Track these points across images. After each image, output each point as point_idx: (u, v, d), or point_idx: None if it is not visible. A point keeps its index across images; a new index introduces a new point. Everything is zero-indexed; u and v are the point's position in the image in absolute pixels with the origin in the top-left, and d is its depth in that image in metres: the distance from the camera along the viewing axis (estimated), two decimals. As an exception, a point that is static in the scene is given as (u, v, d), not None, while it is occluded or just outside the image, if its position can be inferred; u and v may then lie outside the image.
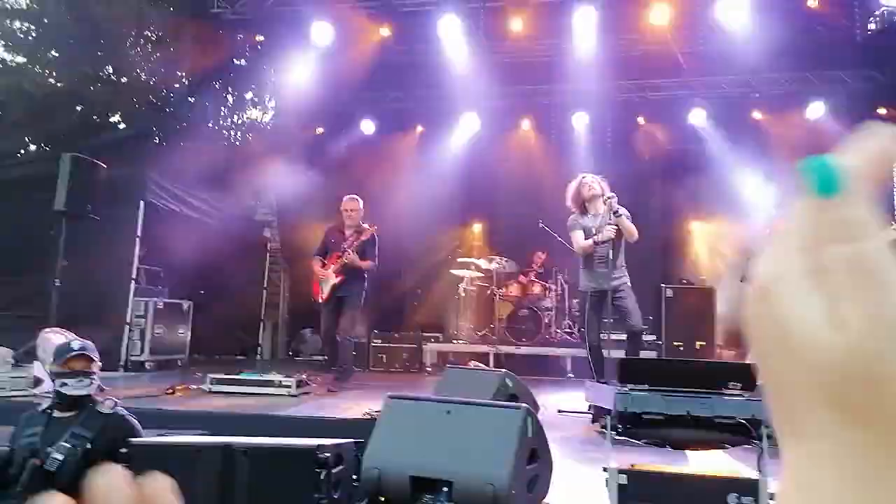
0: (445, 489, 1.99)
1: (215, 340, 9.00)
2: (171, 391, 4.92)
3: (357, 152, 10.67)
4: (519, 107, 10.64)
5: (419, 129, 10.98)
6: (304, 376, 5.37)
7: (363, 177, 10.21)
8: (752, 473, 1.92)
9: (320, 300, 5.83)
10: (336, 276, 5.72)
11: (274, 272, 10.41)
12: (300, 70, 9.72)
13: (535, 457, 2.15)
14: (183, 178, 8.44)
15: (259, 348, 10.16)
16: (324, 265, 5.84)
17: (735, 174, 10.28)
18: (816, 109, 9.58)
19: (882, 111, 9.19)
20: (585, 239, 4.90)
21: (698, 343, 8.12)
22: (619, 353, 4.87)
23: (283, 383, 5.05)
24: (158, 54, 10.71)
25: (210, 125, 10.27)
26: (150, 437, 2.70)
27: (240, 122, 10.90)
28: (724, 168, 10.48)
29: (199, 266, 7.97)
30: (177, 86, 10.57)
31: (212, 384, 5.06)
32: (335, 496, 2.22)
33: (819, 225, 0.29)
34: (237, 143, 10.87)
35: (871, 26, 9.16)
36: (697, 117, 10.05)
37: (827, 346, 0.27)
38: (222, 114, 10.48)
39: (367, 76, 9.81)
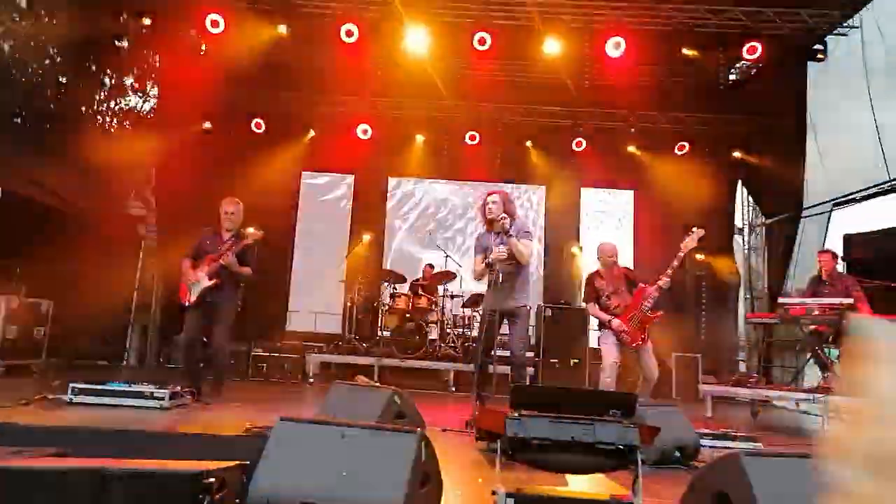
0: (337, 515, 1.97)
1: (78, 343, 8.28)
2: (26, 403, 4.45)
3: (245, 152, 10.29)
4: (413, 121, 10.74)
5: (311, 133, 10.78)
6: (178, 388, 5.05)
7: (249, 178, 9.88)
8: (627, 495, 2.06)
9: (186, 303, 5.52)
10: (209, 280, 5.45)
11: (147, 273, 9.77)
12: (188, 60, 9.24)
13: (427, 480, 2.18)
14: (48, 163, 7.74)
15: (126, 353, 9.49)
16: (194, 267, 5.55)
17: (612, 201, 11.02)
18: (682, 148, 10.45)
19: (737, 154, 10.22)
20: (484, 260, 4.99)
21: (572, 360, 8.59)
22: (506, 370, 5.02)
23: (155, 395, 4.70)
24: (25, 23, 9.74)
25: (83, 109, 9.49)
26: (1, 460, 2.44)
27: (117, 108, 10.14)
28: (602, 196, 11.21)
29: (64, 261, 7.32)
30: (47, 62, 9.66)
31: (73, 394, 4.63)
32: (217, 523, 2.13)
33: None
34: (112, 130, 10.10)
35: (732, 77, 10.16)
36: (579, 145, 10.62)
37: None
38: (97, 98, 9.70)
39: (260, 74, 9.50)
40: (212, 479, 2.06)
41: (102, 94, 9.94)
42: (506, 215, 4.91)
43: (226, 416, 4.73)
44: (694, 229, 5.57)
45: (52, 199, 7.72)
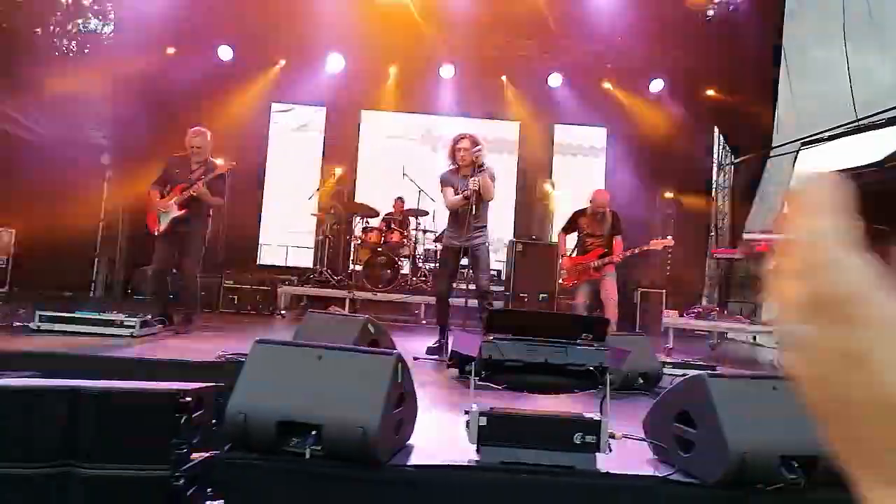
0: (314, 433, 2.01)
1: (42, 274, 8.11)
2: (-10, 329, 4.39)
3: (213, 80, 9.91)
4: (387, 52, 10.43)
5: (281, 62, 10.42)
6: (148, 316, 5.02)
7: (216, 107, 9.57)
8: (595, 415, 2.15)
9: (156, 233, 5.43)
10: (179, 209, 5.35)
11: (111, 202, 9.52)
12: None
13: (402, 401, 2.24)
14: (3, 87, 7.37)
15: (92, 284, 9.35)
16: (163, 196, 5.43)
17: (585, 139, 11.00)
18: (657, 85, 10.41)
19: (710, 92, 10.22)
20: (454, 195, 5.01)
21: (541, 294, 8.75)
22: (474, 303, 5.11)
23: (125, 323, 4.68)
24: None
25: (37, 31, 8.97)
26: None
27: (75, 31, 9.61)
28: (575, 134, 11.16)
29: (26, 191, 7.08)
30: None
31: (41, 322, 4.58)
32: (194, 442, 2.16)
33: None
34: (70, 54, 9.59)
35: (710, 12, 10.03)
36: (555, 80, 10.50)
37: None
38: (54, 19, 9.17)
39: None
40: (188, 399, 2.08)
41: (59, 14, 9.40)
42: (480, 146, 4.94)
43: (198, 345, 4.74)
44: (669, 237, 6.27)
45: (9, 125, 7.38)
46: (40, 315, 4.61)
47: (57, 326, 4.60)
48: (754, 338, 7.74)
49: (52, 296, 8.00)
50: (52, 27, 8.77)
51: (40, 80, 7.69)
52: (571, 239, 6.27)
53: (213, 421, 2.33)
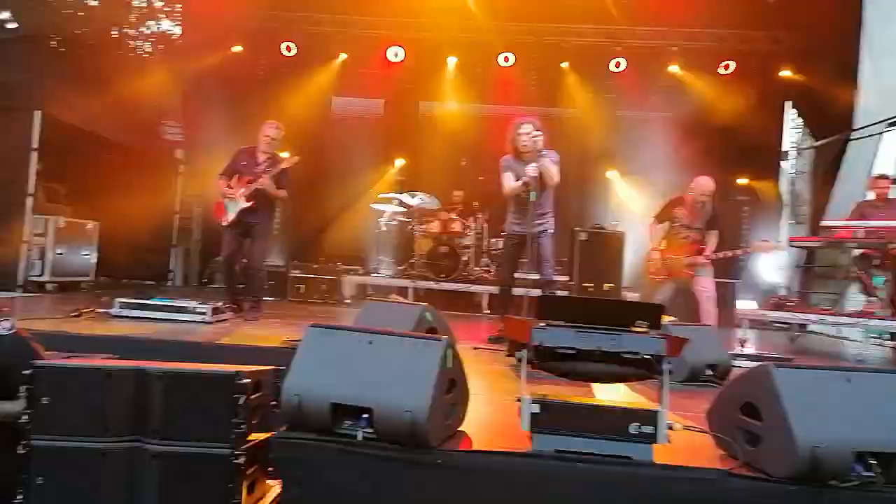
0: (366, 416, 2.04)
1: (124, 265, 8.59)
2: (76, 314, 4.67)
3: (277, 76, 10.18)
4: (445, 44, 10.41)
5: (342, 56, 10.58)
6: (220, 303, 5.23)
7: (282, 102, 9.82)
8: (652, 405, 2.08)
9: (224, 223, 5.62)
10: (246, 201, 5.52)
11: (187, 196, 9.96)
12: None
13: (452, 387, 2.24)
14: (83, 88, 7.80)
15: (170, 274, 9.82)
16: (230, 187, 5.61)
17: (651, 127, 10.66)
18: (728, 67, 9.95)
19: (785, 73, 9.70)
20: (515, 181, 4.95)
21: (606, 285, 8.56)
22: (537, 292, 5.05)
23: (198, 310, 4.89)
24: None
25: (114, 33, 9.44)
26: (54, 360, 2.58)
27: (148, 31, 10.06)
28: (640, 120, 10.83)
29: (107, 186, 7.49)
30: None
31: (120, 308, 4.84)
32: (254, 422, 2.24)
33: None
34: (144, 55, 10.06)
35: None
36: (618, 66, 10.20)
37: None
38: (128, 21, 9.63)
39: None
40: (247, 380, 2.15)
41: (132, 17, 9.86)
42: (540, 132, 4.86)
43: (265, 331, 4.90)
44: (779, 241, 5.62)
45: (90, 124, 7.82)
46: (120, 303, 4.87)
47: (135, 313, 4.85)
48: (838, 330, 7.33)
49: (133, 285, 8.47)
50: (126, 29, 9.20)
51: (117, 79, 8.09)
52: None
53: (274, 403, 2.41)
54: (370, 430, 2.03)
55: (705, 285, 5.57)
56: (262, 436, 2.25)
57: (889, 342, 6.87)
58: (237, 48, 9.97)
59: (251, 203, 5.53)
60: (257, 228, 5.65)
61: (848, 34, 8.25)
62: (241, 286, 5.80)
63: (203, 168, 9.19)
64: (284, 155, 5.76)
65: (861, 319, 5.60)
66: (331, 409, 2.07)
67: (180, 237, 10.00)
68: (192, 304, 4.96)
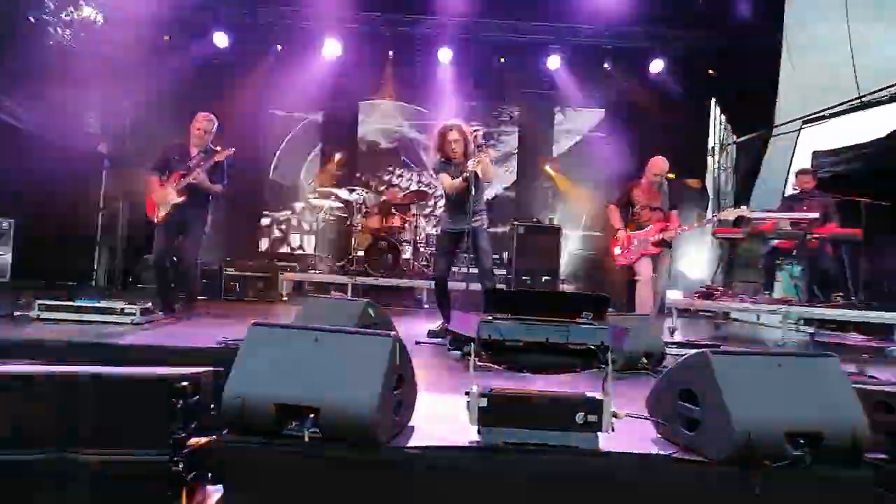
0: (312, 416, 1.99)
1: (43, 264, 8.09)
2: (-10, 318, 4.38)
3: (208, 67, 9.83)
4: (383, 36, 10.32)
5: (278, 47, 10.31)
6: (149, 304, 5.00)
7: (214, 94, 9.48)
8: (597, 394, 2.12)
9: (155, 220, 5.40)
10: (178, 196, 5.31)
11: (111, 192, 9.48)
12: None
13: (401, 382, 2.21)
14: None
15: (94, 274, 9.34)
16: (161, 183, 5.39)
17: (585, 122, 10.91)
18: (657, 65, 10.28)
19: (711, 72, 10.12)
20: (461, 175, 4.93)
21: (544, 277, 8.70)
22: (477, 286, 5.07)
23: (126, 311, 4.66)
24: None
25: (31, 19, 8.87)
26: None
27: (69, 19, 9.50)
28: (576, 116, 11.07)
29: (24, 181, 7.04)
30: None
31: (41, 311, 4.56)
32: (192, 426, 2.15)
33: None
34: (65, 43, 9.49)
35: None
36: (554, 63, 10.37)
37: None
38: (48, 8, 9.06)
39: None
40: (185, 383, 2.06)
41: (53, 3, 9.29)
42: (479, 127, 4.89)
43: (198, 331, 4.72)
44: (743, 208, 6.03)
45: (5, 115, 7.33)
46: (40, 304, 4.59)
47: (57, 315, 4.58)
48: (758, 317, 7.70)
49: (53, 286, 7.99)
50: (45, 15, 8.67)
51: (34, 67, 7.62)
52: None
53: (213, 406, 2.31)
54: (316, 431, 1.98)
55: (643, 271, 5.72)
56: (202, 440, 2.16)
57: (804, 328, 7.28)
58: (166, 38, 9.55)
59: (183, 198, 5.31)
60: (190, 224, 5.43)
61: (769, 34, 8.68)
62: (172, 285, 5.57)
63: (129, 162, 8.79)
64: (218, 148, 5.56)
65: (782, 307, 5.90)
66: (276, 410, 2.01)
67: (104, 234, 9.51)
68: (119, 304, 4.72)
